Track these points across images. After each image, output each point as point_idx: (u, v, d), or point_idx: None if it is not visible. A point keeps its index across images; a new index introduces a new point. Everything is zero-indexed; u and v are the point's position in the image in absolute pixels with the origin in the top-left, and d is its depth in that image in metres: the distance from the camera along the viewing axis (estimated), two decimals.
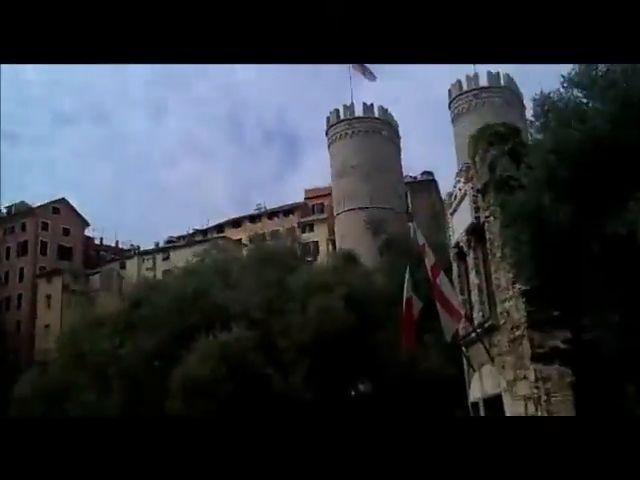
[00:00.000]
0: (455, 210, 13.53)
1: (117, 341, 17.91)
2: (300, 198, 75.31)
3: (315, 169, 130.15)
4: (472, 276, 12.71)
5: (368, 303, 18.45)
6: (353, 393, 19.81)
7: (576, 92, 8.93)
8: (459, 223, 13.41)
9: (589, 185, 8.12)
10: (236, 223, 78.36)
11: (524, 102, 56.53)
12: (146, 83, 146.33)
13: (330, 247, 67.84)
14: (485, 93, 55.50)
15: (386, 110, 60.94)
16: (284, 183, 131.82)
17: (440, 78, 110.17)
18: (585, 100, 8.70)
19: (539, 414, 9.66)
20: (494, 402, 11.87)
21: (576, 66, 8.69)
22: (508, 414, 10.97)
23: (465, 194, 12.56)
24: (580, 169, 8.09)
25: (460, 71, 71.39)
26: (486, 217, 11.45)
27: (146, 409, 17.34)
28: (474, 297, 12.69)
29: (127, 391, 17.64)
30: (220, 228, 78.85)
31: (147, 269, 70.14)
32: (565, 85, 9.13)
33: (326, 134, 61.68)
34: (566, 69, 9.46)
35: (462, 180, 12.79)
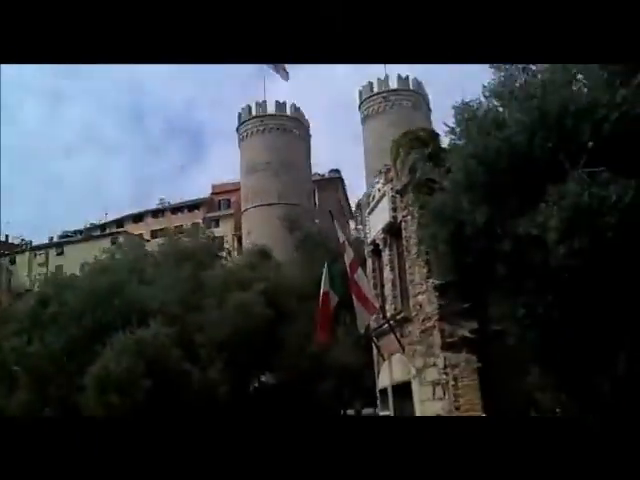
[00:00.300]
0: (373, 209, 14.26)
1: (24, 338, 17.29)
2: (206, 194, 74.59)
3: (222, 165, 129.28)
4: (386, 271, 13.47)
5: (283, 298, 18.98)
6: (256, 385, 20.23)
7: (495, 102, 9.83)
8: (376, 222, 14.15)
9: (504, 189, 8.99)
10: (137, 218, 76.56)
11: (430, 105, 59.46)
12: (41, 69, 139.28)
13: (236, 243, 67.83)
14: (394, 96, 57.57)
15: (298, 108, 61.78)
16: (188, 179, 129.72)
17: (351, 79, 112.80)
18: (502, 110, 9.56)
19: (446, 397, 10.51)
20: (402, 388, 12.70)
21: (497, 76, 9.57)
22: (416, 399, 11.81)
23: (384, 194, 13.30)
24: (497, 174, 8.94)
25: (371, 73, 73.64)
26: (403, 217, 12.21)
27: (55, 406, 16.91)
28: (387, 291, 13.46)
29: (34, 388, 17.12)
30: (120, 223, 76.63)
31: (39, 264, 67.20)
32: (486, 95, 10.02)
33: (237, 130, 61.61)
34: (486, 78, 10.41)
35: (381, 181, 13.52)
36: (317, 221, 51.68)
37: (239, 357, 17.17)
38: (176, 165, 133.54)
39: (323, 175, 68.93)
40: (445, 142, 12.10)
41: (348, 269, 12.79)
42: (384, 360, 13.80)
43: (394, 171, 12.48)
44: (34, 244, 70.87)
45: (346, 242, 13.13)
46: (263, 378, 20.58)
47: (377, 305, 12.68)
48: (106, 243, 66.62)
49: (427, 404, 11.42)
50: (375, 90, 58.69)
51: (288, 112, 60.86)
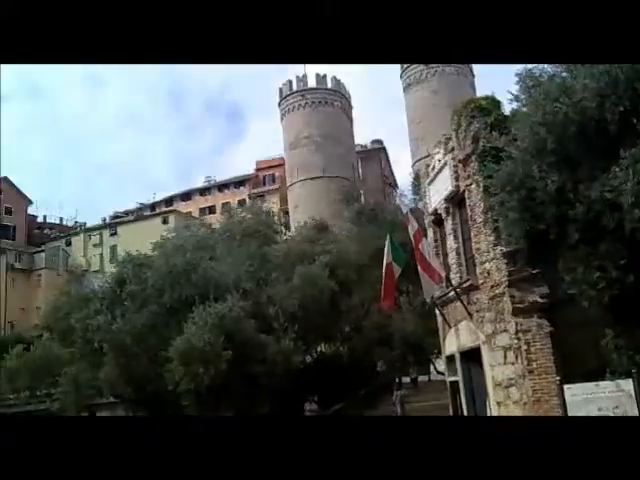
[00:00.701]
0: (433, 180, 14.38)
1: (109, 316, 18.28)
2: (249, 170, 75.25)
3: (263, 140, 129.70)
4: (450, 240, 13.63)
5: (344, 270, 19.47)
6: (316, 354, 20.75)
7: (559, 68, 9.82)
8: (437, 192, 14.27)
9: (575, 155, 9.07)
10: (185, 196, 77.83)
11: (473, 71, 58.37)
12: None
13: (282, 217, 68.54)
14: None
15: (339, 81, 61.45)
16: (230, 155, 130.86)
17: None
18: (568, 75, 9.55)
19: (519, 362, 10.73)
20: (471, 354, 12.97)
21: None
22: (486, 364, 12.06)
23: (445, 164, 13.39)
24: (567, 140, 9.01)
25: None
26: (467, 186, 12.31)
27: (140, 377, 17.88)
28: (451, 260, 13.64)
29: (120, 363, 18.10)
30: (169, 202, 78.09)
31: (94, 245, 69.19)
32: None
33: (279, 105, 61.74)
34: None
35: (441, 151, 13.61)
36: (362, 192, 51.70)
37: (308, 327, 17.79)
38: (216, 144, 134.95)
39: (365, 146, 68.62)
40: (507, 110, 12.19)
41: (412, 239, 13.01)
42: (450, 328, 14.06)
43: (456, 141, 12.56)
44: (87, 226, 72.86)
45: (409, 213, 13.33)
46: (316, 349, 21.17)
47: (443, 274, 12.90)
48: (157, 222, 68.37)
49: (497, 368, 11.66)
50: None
51: (329, 85, 60.66)
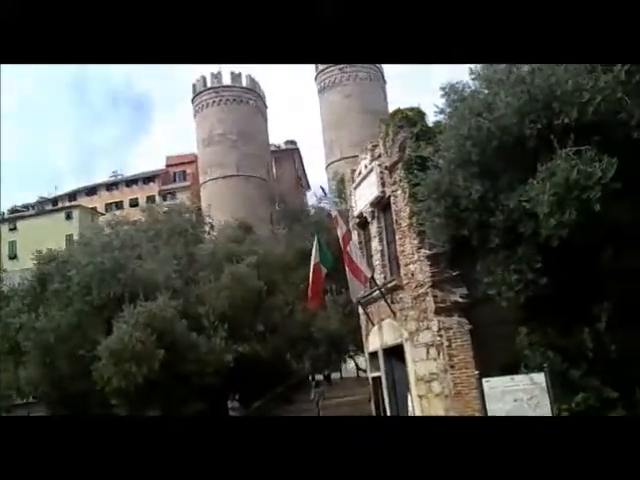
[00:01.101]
0: (359, 184, 14.98)
1: (32, 315, 17.62)
2: (157, 165, 73.79)
3: (170, 135, 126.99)
4: (375, 243, 14.28)
5: (270, 270, 19.89)
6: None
7: (482, 85, 10.61)
8: (361, 196, 14.91)
9: (496, 167, 9.86)
10: (91, 191, 75.24)
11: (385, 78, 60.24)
12: None
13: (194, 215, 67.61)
14: (350, 67, 57.89)
15: (254, 79, 61.49)
16: (135, 150, 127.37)
17: None
18: (490, 92, 10.33)
19: (441, 357, 11.48)
20: (393, 350, 13.70)
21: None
22: (409, 359, 12.78)
23: (371, 170, 14.02)
24: (489, 153, 9.78)
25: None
26: (392, 191, 12.98)
27: (65, 376, 17.34)
28: (376, 261, 14.29)
29: (43, 362, 17.51)
30: (72, 196, 75.24)
31: None
32: (473, 78, 10.82)
33: (192, 101, 61.02)
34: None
35: (368, 157, 14.22)
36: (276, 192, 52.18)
37: (237, 326, 17.99)
38: (122, 137, 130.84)
39: (279, 146, 69.06)
40: (431, 121, 12.95)
41: (341, 241, 13.53)
42: (373, 325, 14.71)
43: (383, 148, 13.19)
44: None
45: (338, 216, 13.85)
46: (241, 348, 21.42)
47: (369, 275, 13.51)
48: (60, 217, 65.64)
49: (420, 364, 12.40)
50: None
51: (244, 83, 60.60)
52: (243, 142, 57.89)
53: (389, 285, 13.39)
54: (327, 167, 57.54)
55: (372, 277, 13.87)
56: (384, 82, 60.88)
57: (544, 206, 8.85)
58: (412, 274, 12.43)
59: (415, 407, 12.61)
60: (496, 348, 11.02)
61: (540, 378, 10.13)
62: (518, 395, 10.17)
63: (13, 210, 74.58)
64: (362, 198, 14.86)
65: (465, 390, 11.13)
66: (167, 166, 74.04)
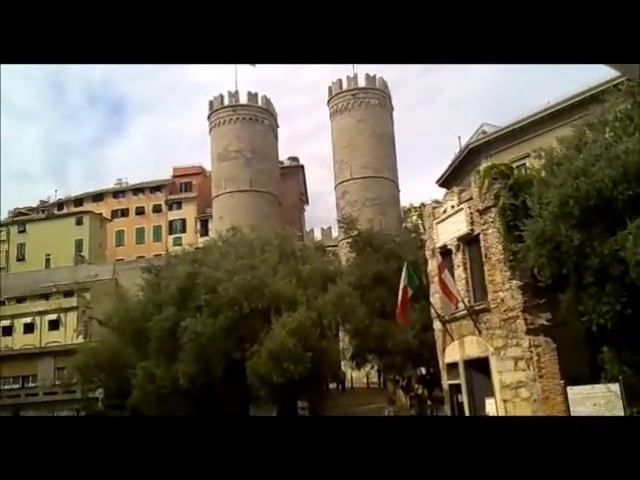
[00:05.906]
0: (443, 220, 17.77)
1: (198, 319, 21.39)
2: (163, 175, 76.10)
3: (143, 138, 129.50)
4: (459, 271, 17.03)
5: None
6: None
7: (576, 154, 13.44)
8: (445, 230, 17.68)
9: (592, 220, 12.66)
10: (97, 197, 76.99)
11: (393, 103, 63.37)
12: None
13: (198, 225, 70.50)
14: (362, 94, 60.92)
15: (269, 100, 64.19)
16: (109, 152, 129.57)
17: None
18: (583, 159, 13.11)
19: (530, 368, 14.23)
20: (475, 362, 16.40)
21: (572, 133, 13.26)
22: (494, 370, 15.49)
23: (458, 210, 16.81)
24: (587, 209, 12.57)
25: (340, 68, 76.42)
26: (483, 230, 15.75)
27: (217, 373, 21.14)
28: (459, 287, 17.04)
29: (200, 358, 21.36)
30: (79, 201, 76.95)
31: (1, 241, 67.38)
32: (566, 147, 13.73)
33: (208, 118, 63.49)
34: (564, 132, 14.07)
35: (455, 199, 17.02)
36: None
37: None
38: (96, 137, 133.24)
39: (282, 162, 71.68)
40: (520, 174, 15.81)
41: (436, 269, 16.30)
42: (452, 340, 17.45)
43: (477, 194, 15.98)
44: None
45: (436, 250, 16.64)
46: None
47: (460, 299, 16.27)
48: (71, 222, 67.33)
49: (506, 374, 15.11)
50: (345, 87, 61.72)
51: (259, 103, 63.36)
52: (257, 159, 60.50)
53: (477, 308, 16.13)
54: (336, 186, 60.34)
55: (462, 300, 16.64)
56: (392, 108, 64.05)
57: (637, 255, 11.68)
58: (502, 300, 15.17)
59: (499, 409, 15.30)
60: (578, 362, 13.84)
61: (615, 387, 12.97)
62: (597, 400, 13.01)
63: (18, 212, 75.90)
64: (446, 232, 17.61)
65: (552, 396, 13.86)
66: (174, 177, 76.22)
